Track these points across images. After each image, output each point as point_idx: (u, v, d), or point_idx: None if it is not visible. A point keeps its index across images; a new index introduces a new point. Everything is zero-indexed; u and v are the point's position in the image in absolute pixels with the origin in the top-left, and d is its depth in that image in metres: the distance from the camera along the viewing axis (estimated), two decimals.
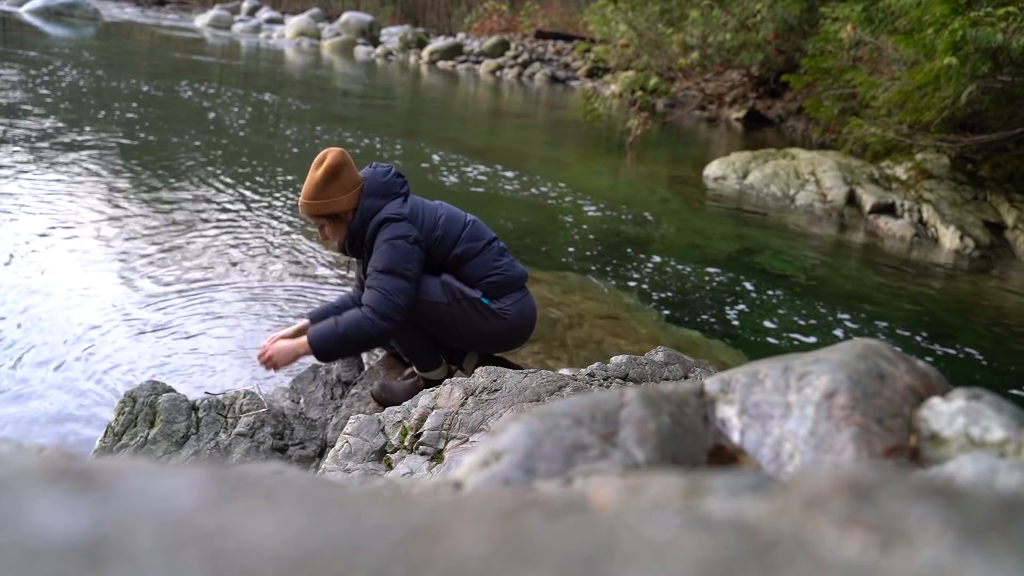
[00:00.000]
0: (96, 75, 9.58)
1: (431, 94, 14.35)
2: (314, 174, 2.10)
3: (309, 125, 7.71)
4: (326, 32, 23.98)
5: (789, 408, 0.63)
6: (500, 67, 19.83)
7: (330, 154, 2.11)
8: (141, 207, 4.19)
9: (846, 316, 3.80)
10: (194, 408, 2.00)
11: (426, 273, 2.17)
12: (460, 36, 25.08)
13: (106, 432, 1.93)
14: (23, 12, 20.23)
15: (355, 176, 2.13)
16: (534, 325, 2.31)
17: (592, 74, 18.72)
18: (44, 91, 7.74)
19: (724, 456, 0.61)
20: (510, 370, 1.86)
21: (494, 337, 2.21)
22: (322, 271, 3.52)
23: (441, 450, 1.69)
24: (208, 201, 4.47)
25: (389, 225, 2.08)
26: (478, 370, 1.87)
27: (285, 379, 2.49)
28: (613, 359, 2.10)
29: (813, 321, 3.69)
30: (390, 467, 1.74)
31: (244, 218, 4.22)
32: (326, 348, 2.01)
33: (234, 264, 3.48)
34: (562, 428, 0.56)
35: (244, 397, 2.07)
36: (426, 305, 2.12)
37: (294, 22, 24.83)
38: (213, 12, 27.46)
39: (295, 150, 6.41)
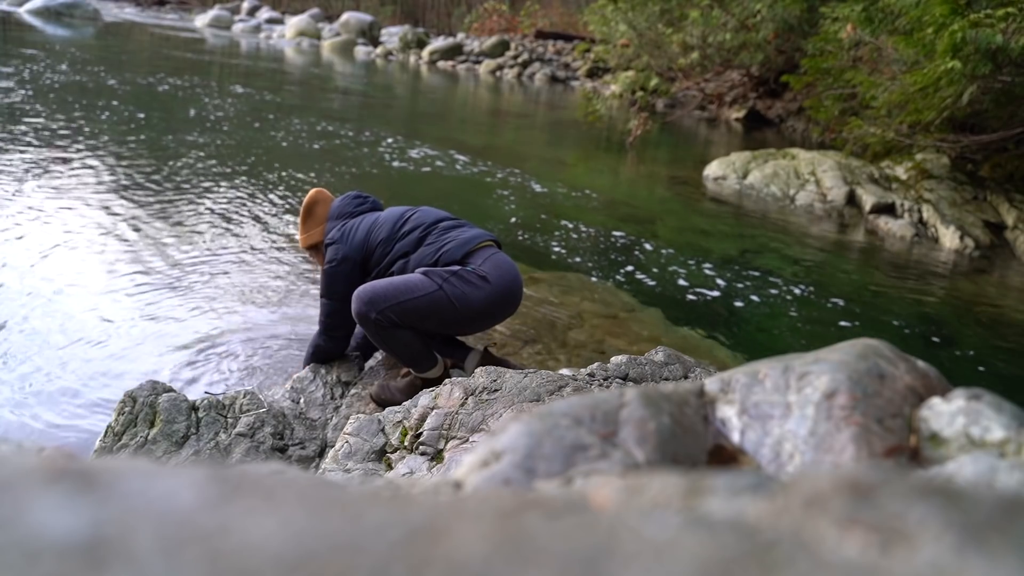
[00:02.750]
0: (95, 74, 9.58)
1: (431, 94, 14.36)
2: (301, 212, 2.51)
3: (308, 124, 7.71)
4: (326, 32, 23.98)
5: (789, 408, 0.63)
6: (500, 67, 19.83)
7: (308, 194, 2.51)
8: (141, 206, 4.19)
9: (846, 316, 3.80)
10: (194, 408, 2.00)
11: (392, 272, 2.27)
12: (460, 36, 25.08)
13: (106, 432, 1.93)
14: (23, 12, 20.23)
15: (327, 210, 2.48)
16: (518, 280, 2.26)
17: (592, 74, 18.73)
18: (43, 90, 7.74)
19: (724, 456, 0.61)
20: (510, 370, 1.86)
21: (488, 305, 2.16)
22: None
23: (441, 450, 1.69)
24: (208, 199, 4.47)
25: (328, 250, 2.37)
26: (478, 370, 1.88)
27: (285, 379, 2.49)
28: (613, 359, 2.10)
29: (813, 321, 3.69)
30: (390, 467, 1.74)
31: (244, 216, 4.22)
32: (307, 359, 2.46)
33: (235, 263, 3.48)
34: (562, 428, 0.56)
35: (244, 397, 2.07)
36: (419, 301, 2.11)
37: (294, 22, 24.83)
38: (213, 12, 27.47)
39: (292, 148, 6.41)
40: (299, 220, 2.51)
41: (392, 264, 2.26)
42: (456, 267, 2.15)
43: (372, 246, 2.30)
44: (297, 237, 2.53)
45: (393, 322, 2.12)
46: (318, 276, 3.44)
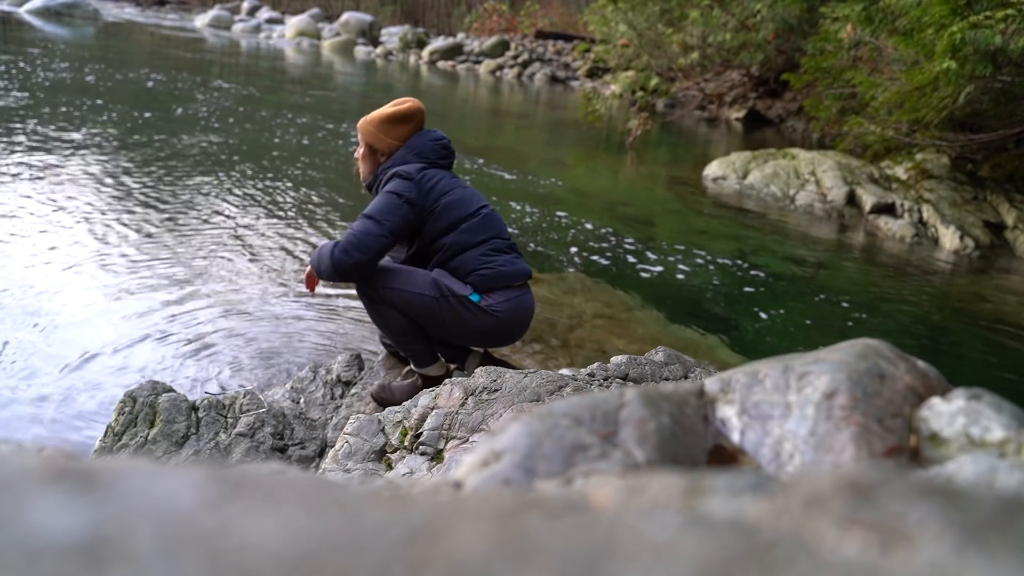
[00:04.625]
0: (93, 73, 9.57)
1: (431, 94, 14.35)
2: (386, 109, 2.31)
3: (308, 123, 7.71)
4: (326, 32, 23.99)
5: (789, 408, 0.63)
6: (500, 67, 19.84)
7: (408, 103, 2.32)
8: (142, 207, 4.19)
9: (846, 316, 3.80)
10: (194, 408, 2.00)
11: (418, 260, 2.26)
12: (460, 36, 25.09)
13: (106, 432, 1.93)
14: (23, 12, 20.24)
15: (413, 133, 2.32)
16: (528, 324, 2.29)
17: (592, 74, 18.73)
18: (38, 88, 7.74)
19: (724, 456, 0.61)
20: (510, 370, 1.86)
21: (483, 333, 2.19)
22: None
23: (441, 450, 1.69)
24: (208, 200, 4.47)
25: (394, 179, 2.20)
26: (478, 370, 1.87)
27: (285, 379, 2.49)
28: (613, 359, 2.10)
29: (813, 321, 3.69)
30: (390, 467, 1.74)
31: (245, 217, 4.22)
32: (316, 265, 2.19)
33: (236, 264, 3.48)
34: (562, 428, 0.56)
35: (244, 397, 2.07)
36: (414, 296, 2.14)
37: (294, 22, 24.84)
38: (213, 12, 27.48)
39: (288, 147, 6.41)
40: (383, 114, 2.29)
41: (439, 250, 2.22)
42: (470, 293, 2.16)
43: (437, 212, 2.20)
44: (367, 118, 2.31)
45: (384, 300, 2.16)
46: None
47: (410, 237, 2.26)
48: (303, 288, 2.85)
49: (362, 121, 2.32)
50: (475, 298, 2.16)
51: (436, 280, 2.15)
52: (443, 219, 2.21)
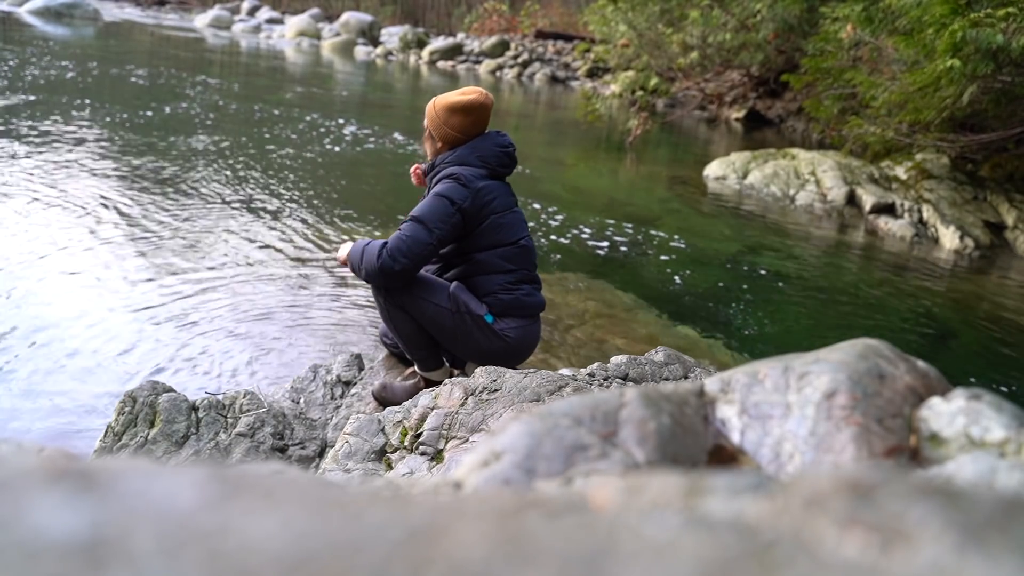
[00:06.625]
0: (94, 74, 9.58)
1: (430, 94, 14.34)
2: (453, 96, 2.22)
3: (305, 121, 7.71)
4: (326, 32, 23.99)
5: (789, 408, 0.63)
6: (500, 67, 19.84)
7: (475, 94, 2.21)
8: (145, 206, 4.19)
9: (846, 316, 3.80)
10: (194, 408, 2.00)
11: (440, 262, 2.25)
12: (460, 36, 25.08)
13: (106, 432, 1.93)
14: (23, 12, 20.24)
15: (473, 127, 2.21)
16: (531, 353, 2.33)
17: (592, 74, 18.73)
18: (41, 90, 7.74)
19: (724, 456, 0.61)
20: (510, 370, 1.86)
21: (488, 354, 2.20)
22: (327, 271, 3.52)
23: (441, 450, 1.69)
24: (209, 199, 4.47)
25: (451, 182, 2.13)
26: (478, 370, 1.87)
27: (285, 379, 2.49)
28: (613, 359, 2.11)
29: (813, 321, 3.69)
30: (390, 467, 1.74)
31: (246, 216, 4.22)
32: (356, 263, 2.14)
33: (238, 263, 3.47)
34: (562, 428, 0.56)
35: (244, 397, 2.07)
36: (430, 306, 2.15)
37: (294, 22, 24.84)
38: (213, 12, 27.47)
39: (282, 142, 6.41)
40: (448, 100, 2.20)
41: (467, 263, 2.21)
42: (485, 313, 2.16)
43: (482, 228, 2.15)
44: (436, 99, 2.24)
45: (399, 303, 2.16)
46: (327, 276, 3.44)
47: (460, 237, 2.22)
48: (300, 285, 2.85)
49: (431, 102, 2.25)
50: (489, 319, 2.16)
51: (454, 294, 2.15)
52: (485, 237, 2.17)
